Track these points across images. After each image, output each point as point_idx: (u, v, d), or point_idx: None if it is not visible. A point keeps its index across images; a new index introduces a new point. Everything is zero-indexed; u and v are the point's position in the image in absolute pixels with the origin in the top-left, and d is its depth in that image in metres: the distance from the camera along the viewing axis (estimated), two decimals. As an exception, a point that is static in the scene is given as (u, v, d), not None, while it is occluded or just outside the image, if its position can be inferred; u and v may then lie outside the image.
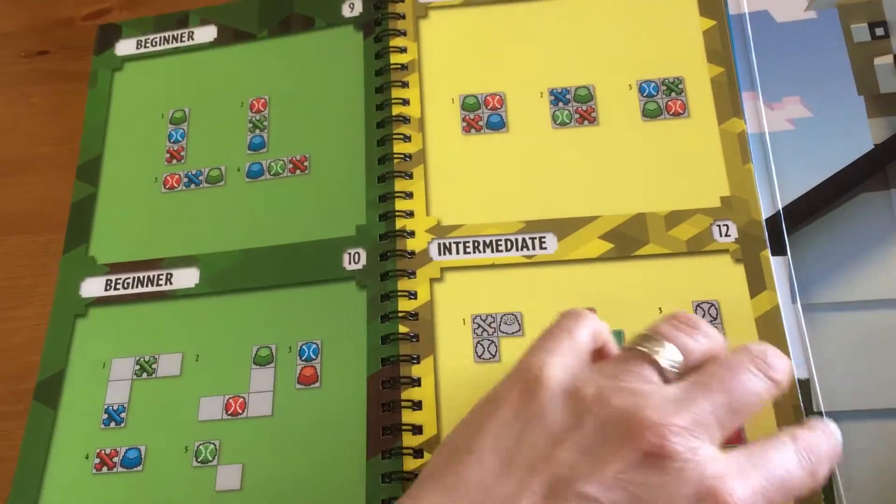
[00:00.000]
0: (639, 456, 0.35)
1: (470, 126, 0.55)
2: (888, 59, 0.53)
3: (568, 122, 0.54)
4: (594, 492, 0.34)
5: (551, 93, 0.55)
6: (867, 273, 0.48)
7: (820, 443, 0.38)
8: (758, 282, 0.48)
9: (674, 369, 0.39)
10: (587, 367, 0.40)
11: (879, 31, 0.54)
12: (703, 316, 0.48)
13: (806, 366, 0.46)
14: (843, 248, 0.49)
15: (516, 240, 0.51)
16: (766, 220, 0.50)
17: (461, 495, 0.36)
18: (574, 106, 0.55)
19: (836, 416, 0.45)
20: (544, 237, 0.51)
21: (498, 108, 0.55)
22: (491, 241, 0.52)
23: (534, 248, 0.51)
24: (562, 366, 0.39)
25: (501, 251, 0.51)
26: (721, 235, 0.50)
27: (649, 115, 0.54)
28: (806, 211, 0.50)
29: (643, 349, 0.39)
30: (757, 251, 0.49)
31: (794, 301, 0.48)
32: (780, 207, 0.50)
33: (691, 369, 0.40)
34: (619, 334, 0.48)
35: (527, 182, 0.53)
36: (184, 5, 0.66)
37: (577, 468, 0.35)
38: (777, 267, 0.49)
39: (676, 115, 0.53)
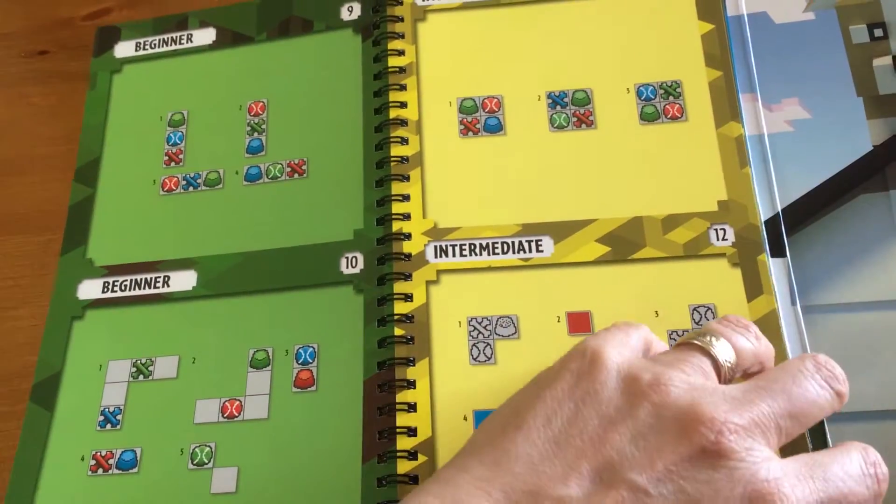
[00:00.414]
0: (692, 451, 0.34)
1: (467, 129, 0.55)
2: (887, 60, 0.53)
3: (566, 125, 0.54)
4: (643, 482, 0.34)
5: (549, 96, 0.55)
6: (867, 274, 0.48)
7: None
8: (755, 286, 0.48)
9: (728, 364, 0.39)
10: (642, 358, 0.40)
11: (878, 33, 0.54)
12: (700, 320, 0.48)
13: None
14: (842, 249, 0.49)
15: (513, 242, 0.51)
16: (766, 221, 0.50)
17: (506, 471, 0.36)
18: (572, 109, 0.55)
19: (836, 417, 0.44)
20: (541, 240, 0.51)
21: (496, 111, 0.55)
22: (487, 244, 0.52)
23: (530, 251, 0.51)
24: (619, 351, 0.39)
25: (498, 254, 0.51)
26: (718, 239, 0.50)
27: (647, 118, 0.54)
28: (805, 212, 0.50)
29: (698, 342, 0.39)
30: (754, 255, 0.49)
31: (793, 303, 0.48)
32: (780, 209, 0.50)
33: (746, 373, 0.40)
34: None
35: (524, 185, 0.53)
36: (183, 4, 0.66)
37: (628, 455, 0.35)
38: (776, 269, 0.49)
39: (674, 118, 0.53)
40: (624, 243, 0.50)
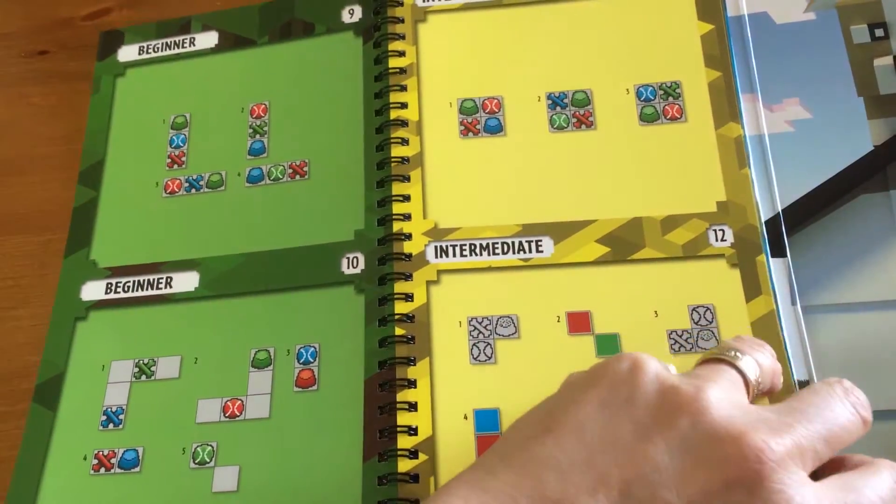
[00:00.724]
0: (731, 474, 0.33)
1: (468, 130, 0.56)
2: (888, 60, 0.54)
3: (565, 126, 0.55)
4: (676, 503, 0.33)
5: (549, 97, 0.56)
6: (867, 274, 0.49)
7: None
8: (753, 286, 0.49)
9: (756, 380, 0.39)
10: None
11: (879, 32, 0.54)
12: (699, 320, 0.49)
13: (805, 368, 0.47)
14: (842, 249, 0.50)
15: (513, 243, 0.52)
16: (766, 221, 0.50)
17: (534, 477, 0.35)
18: (572, 110, 0.55)
19: None
20: (541, 240, 0.52)
21: (496, 112, 0.56)
22: (487, 244, 0.52)
23: (530, 252, 0.52)
24: (658, 363, 0.38)
25: (498, 254, 0.52)
26: (717, 240, 0.50)
27: (647, 119, 0.54)
28: (806, 212, 0.51)
29: (725, 357, 0.39)
30: (753, 256, 0.50)
31: (793, 303, 0.48)
32: (780, 209, 0.51)
33: (761, 392, 0.40)
34: (614, 338, 0.49)
35: (524, 185, 0.54)
36: (183, 4, 0.67)
37: (662, 472, 0.34)
38: (777, 269, 0.49)
39: (674, 119, 0.54)
40: (624, 244, 0.51)
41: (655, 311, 0.49)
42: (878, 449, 0.42)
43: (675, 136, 0.54)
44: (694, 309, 0.49)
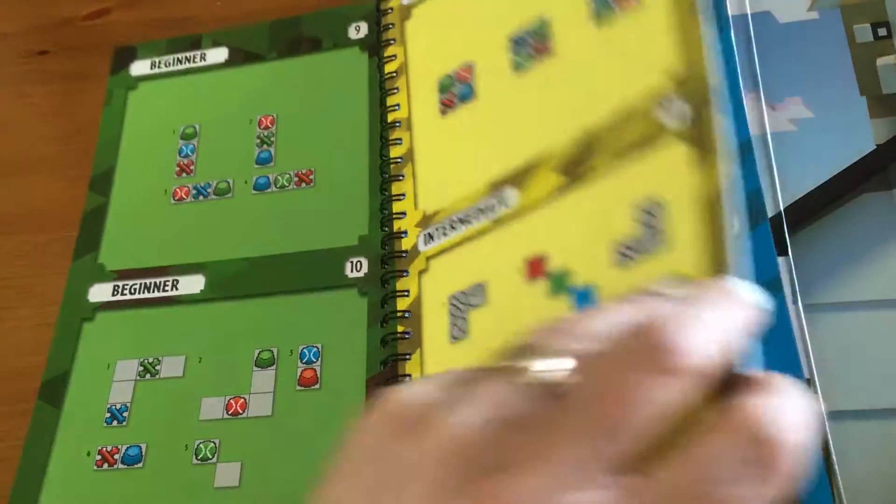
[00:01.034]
0: None
1: (445, 107, 0.55)
2: (891, 59, 0.54)
3: (526, 62, 0.51)
4: None
5: (512, 41, 0.53)
6: (869, 273, 0.49)
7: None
8: (706, 153, 0.38)
9: (545, 378, 0.27)
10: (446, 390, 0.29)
11: (882, 32, 0.55)
12: (649, 222, 0.40)
13: (807, 366, 0.47)
14: (844, 248, 0.50)
15: (484, 206, 0.50)
16: (768, 220, 0.50)
17: None
18: (532, 44, 0.51)
19: (838, 415, 0.45)
20: (504, 193, 0.49)
21: (468, 80, 0.55)
22: (465, 216, 0.51)
23: (497, 209, 0.49)
24: (412, 389, 0.30)
25: (472, 222, 0.50)
26: (671, 118, 0.41)
27: (602, 19, 0.47)
28: (808, 211, 0.51)
29: (503, 364, 0.29)
30: (708, 121, 0.39)
31: (795, 301, 0.48)
32: (782, 208, 0.51)
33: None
34: (564, 276, 0.44)
35: (493, 143, 0.52)
36: (183, 5, 0.69)
37: None
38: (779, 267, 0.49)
39: (626, 8, 0.46)
40: (576, 163, 0.45)
41: (607, 228, 0.42)
42: (880, 448, 0.42)
43: (630, 26, 0.46)
44: (645, 211, 0.41)
